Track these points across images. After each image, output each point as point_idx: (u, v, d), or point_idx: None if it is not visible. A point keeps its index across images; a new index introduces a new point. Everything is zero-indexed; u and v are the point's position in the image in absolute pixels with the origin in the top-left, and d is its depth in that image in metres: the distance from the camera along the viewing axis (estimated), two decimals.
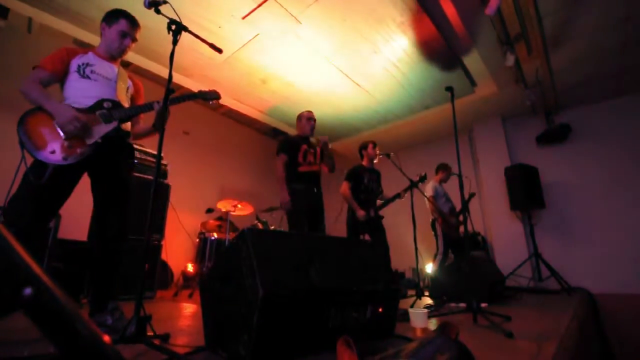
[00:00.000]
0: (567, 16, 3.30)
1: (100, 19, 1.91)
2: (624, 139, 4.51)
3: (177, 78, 4.20)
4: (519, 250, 4.68)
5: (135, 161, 3.41)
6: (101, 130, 1.71)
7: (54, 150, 1.58)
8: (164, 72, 4.07)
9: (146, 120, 2.02)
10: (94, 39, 3.42)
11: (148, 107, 1.81)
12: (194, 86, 4.43)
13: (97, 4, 3.03)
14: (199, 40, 1.80)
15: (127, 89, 1.96)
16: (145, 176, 3.41)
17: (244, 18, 3.22)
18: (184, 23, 1.68)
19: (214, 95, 2.02)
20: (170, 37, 1.65)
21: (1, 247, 0.33)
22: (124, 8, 1.93)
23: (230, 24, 3.31)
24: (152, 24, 3.19)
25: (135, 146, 3.44)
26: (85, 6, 3.08)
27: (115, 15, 1.87)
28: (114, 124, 1.75)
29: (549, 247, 4.51)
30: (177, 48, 1.64)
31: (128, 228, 1.83)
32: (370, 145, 3.75)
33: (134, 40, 1.92)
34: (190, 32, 1.71)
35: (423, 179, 3.53)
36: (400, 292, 2.40)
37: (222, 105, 5.18)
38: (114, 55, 1.90)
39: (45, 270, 0.36)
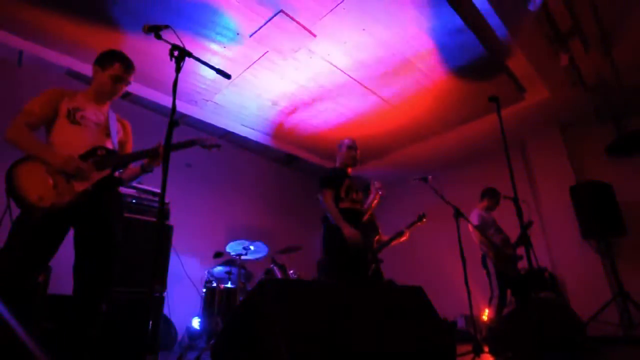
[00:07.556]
0: (627, 2, 3.27)
1: (96, 55, 2.06)
2: None
3: (179, 105, 4.39)
4: (599, 289, 4.38)
5: (133, 200, 3.51)
6: (93, 177, 1.84)
7: (42, 198, 1.69)
8: (163, 100, 4.27)
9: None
10: (88, 69, 3.66)
11: (143, 154, 1.96)
12: (198, 113, 4.62)
13: (90, 30, 3.28)
14: (200, 63, 1.89)
15: (117, 133, 2.10)
16: (144, 217, 3.47)
17: (251, 36, 3.38)
18: (185, 43, 1.77)
19: (213, 143, 2.13)
20: (170, 61, 1.74)
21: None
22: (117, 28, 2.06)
23: (236, 42, 3.48)
24: (149, 48, 3.43)
25: (133, 183, 3.57)
26: (79, 34, 3.33)
27: (109, 59, 2.01)
28: (106, 172, 1.88)
29: (637, 283, 4.22)
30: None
31: (110, 288, 1.90)
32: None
33: (128, 84, 2.08)
34: (195, 57, 1.80)
35: (421, 217, 3.51)
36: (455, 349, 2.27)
37: (228, 133, 5.34)
38: (106, 99, 2.06)
39: (34, 333, 0.36)
